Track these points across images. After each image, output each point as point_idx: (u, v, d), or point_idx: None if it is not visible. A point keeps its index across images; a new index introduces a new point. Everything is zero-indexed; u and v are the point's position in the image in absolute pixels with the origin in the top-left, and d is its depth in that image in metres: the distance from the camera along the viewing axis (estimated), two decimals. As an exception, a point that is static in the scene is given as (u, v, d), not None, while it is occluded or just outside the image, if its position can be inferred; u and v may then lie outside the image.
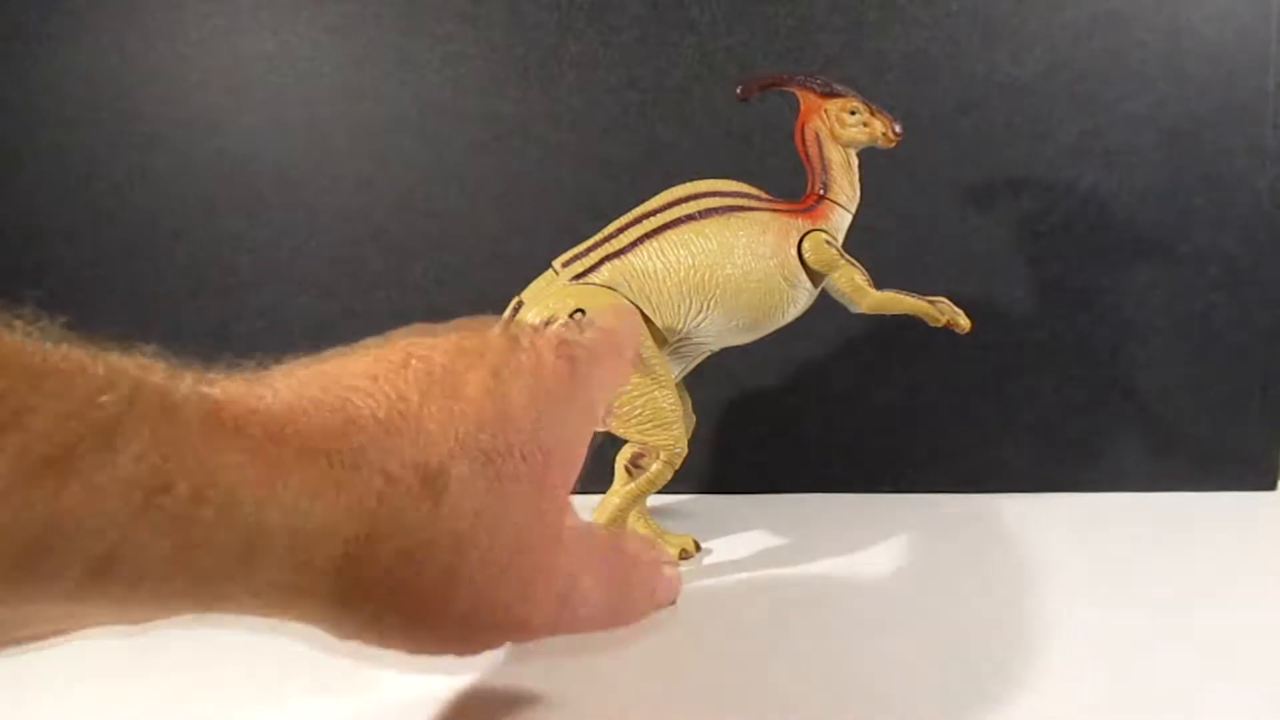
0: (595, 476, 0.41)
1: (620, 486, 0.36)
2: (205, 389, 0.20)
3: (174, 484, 0.17)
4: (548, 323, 0.36)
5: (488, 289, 0.40)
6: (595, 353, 0.26)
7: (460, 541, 0.21)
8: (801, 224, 0.39)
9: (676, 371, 0.41)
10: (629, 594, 0.27)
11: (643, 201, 0.39)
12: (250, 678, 0.30)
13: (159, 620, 0.20)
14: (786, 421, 0.55)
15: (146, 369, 0.19)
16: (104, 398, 0.17)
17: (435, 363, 0.23)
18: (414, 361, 0.23)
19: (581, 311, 0.36)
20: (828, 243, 0.39)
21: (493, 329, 0.25)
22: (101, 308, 0.56)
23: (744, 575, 0.39)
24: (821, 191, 0.40)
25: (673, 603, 0.35)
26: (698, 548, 0.43)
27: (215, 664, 0.31)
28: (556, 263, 0.38)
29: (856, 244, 0.41)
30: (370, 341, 0.25)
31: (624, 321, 0.28)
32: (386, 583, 0.21)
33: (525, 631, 0.24)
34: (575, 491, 0.26)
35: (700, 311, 0.37)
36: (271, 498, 0.18)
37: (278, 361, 0.23)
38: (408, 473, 0.21)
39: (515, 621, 0.23)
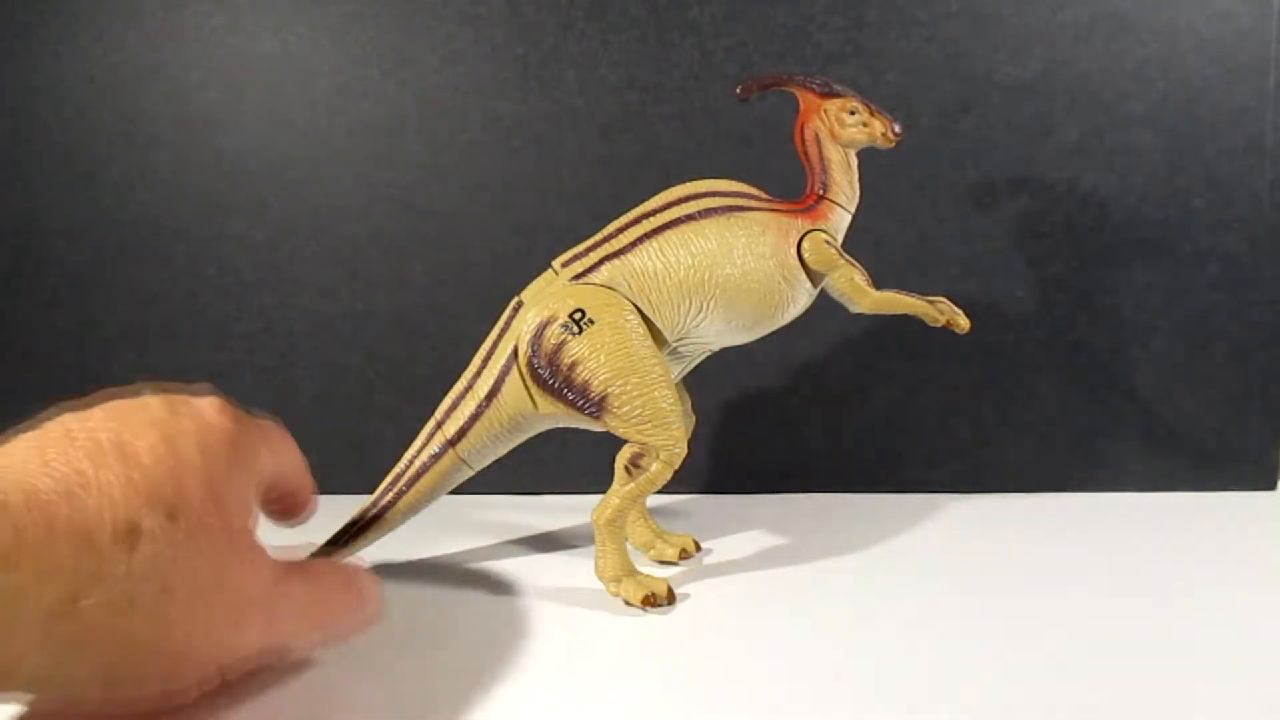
0: (595, 476, 0.41)
1: (620, 486, 0.36)
2: None
3: None
4: (547, 322, 0.36)
5: (488, 289, 0.40)
6: (250, 417, 0.30)
7: (163, 588, 0.24)
8: (801, 224, 0.39)
9: (676, 371, 0.41)
10: (331, 614, 0.30)
11: (643, 201, 0.39)
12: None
13: None
14: (786, 421, 0.55)
15: None
16: None
17: (99, 435, 0.25)
18: (79, 436, 0.25)
19: (581, 311, 0.36)
20: (827, 243, 0.39)
21: (147, 397, 0.28)
22: (101, 308, 0.56)
23: (744, 575, 0.39)
24: (821, 191, 0.40)
25: (669, 605, 0.35)
26: (698, 548, 0.43)
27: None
28: (556, 263, 0.38)
29: (856, 244, 0.41)
30: (24, 426, 0.26)
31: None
32: (101, 634, 0.23)
33: (240, 654, 0.27)
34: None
35: (700, 311, 0.37)
36: None
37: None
38: (100, 534, 0.23)
39: (229, 650, 0.26)
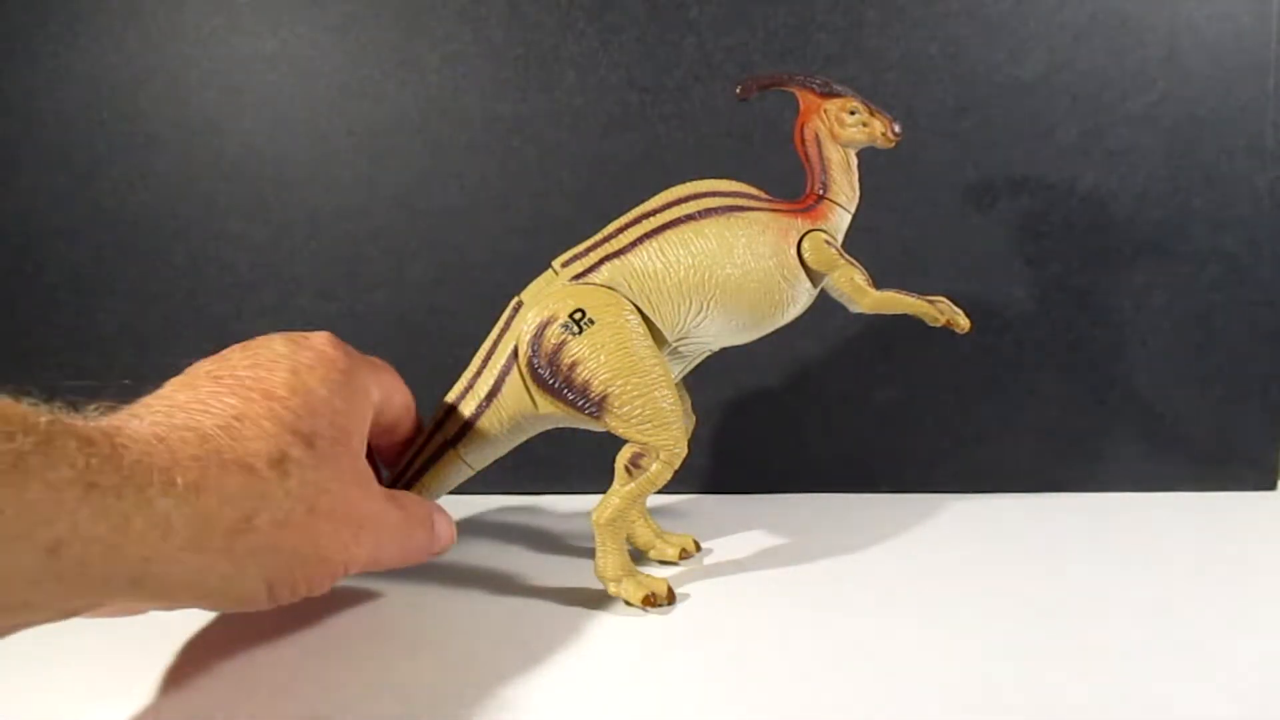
0: (595, 476, 0.41)
1: (620, 486, 0.36)
2: (100, 423, 0.25)
3: (99, 482, 0.22)
4: (548, 322, 0.36)
5: (488, 289, 0.40)
6: (359, 353, 0.35)
7: (312, 506, 0.28)
8: (801, 224, 0.39)
9: (676, 371, 0.41)
10: (416, 541, 0.35)
11: (643, 201, 0.39)
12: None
13: (105, 606, 0.26)
14: (786, 421, 0.55)
15: (51, 411, 0.24)
16: (40, 419, 0.22)
17: (240, 373, 0.29)
18: (223, 376, 0.29)
19: (582, 311, 0.36)
20: (827, 243, 0.39)
21: (270, 336, 0.32)
22: (101, 308, 0.56)
23: (744, 575, 0.39)
24: (821, 191, 0.40)
25: (669, 605, 0.35)
26: (698, 548, 0.43)
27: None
28: (556, 263, 0.38)
29: (856, 244, 0.41)
30: (174, 381, 0.30)
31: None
32: (268, 547, 0.27)
33: (356, 563, 0.31)
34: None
35: (700, 311, 0.37)
36: (168, 492, 0.24)
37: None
38: (259, 462, 0.27)
39: (351, 558, 0.30)
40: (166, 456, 0.24)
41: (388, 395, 0.36)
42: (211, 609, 0.30)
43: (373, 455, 0.38)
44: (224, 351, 0.32)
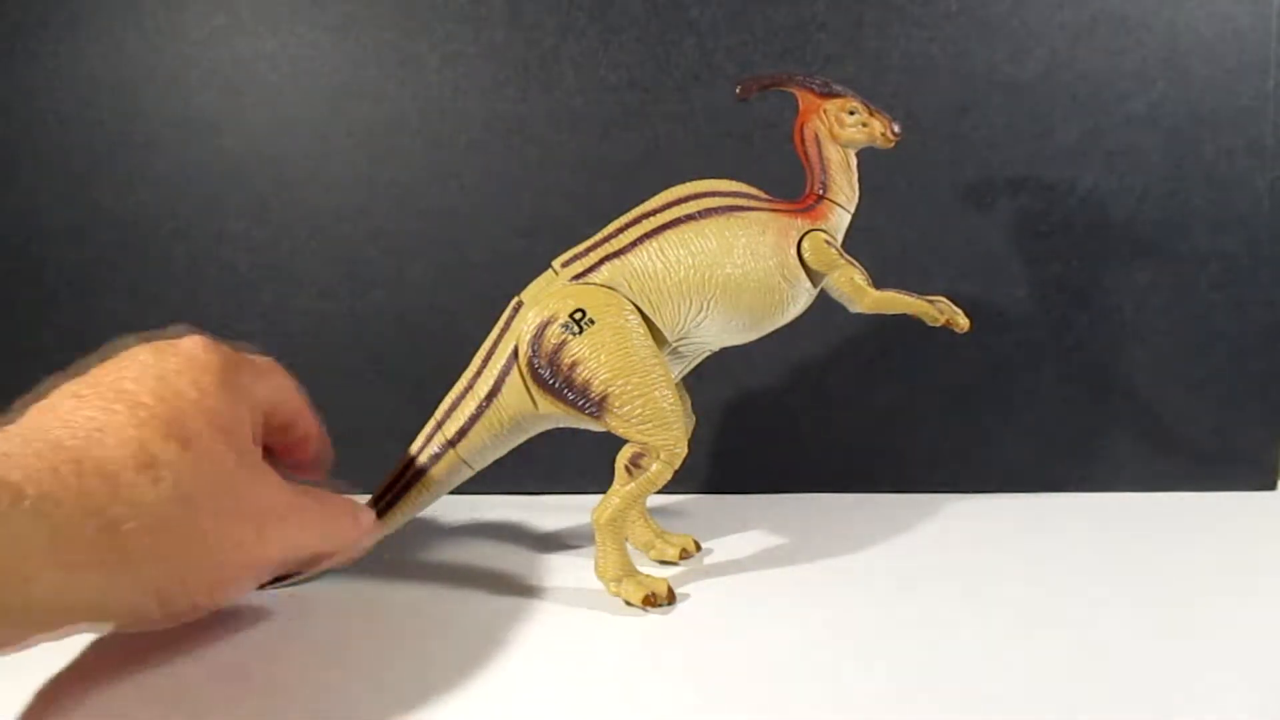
0: (595, 476, 0.41)
1: (620, 486, 0.36)
2: None
3: None
4: (548, 322, 0.36)
5: (488, 289, 0.40)
6: (235, 350, 0.33)
7: (193, 506, 0.27)
8: (801, 224, 0.39)
9: (676, 371, 0.41)
10: (337, 530, 0.35)
11: (643, 201, 0.39)
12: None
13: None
14: (786, 421, 0.55)
15: None
16: None
17: (102, 388, 0.28)
18: (85, 394, 0.28)
19: (582, 311, 0.36)
20: (827, 243, 0.39)
21: (135, 348, 0.31)
22: (101, 308, 0.56)
23: (744, 575, 0.39)
24: (821, 191, 0.40)
25: (669, 605, 0.35)
26: (698, 548, 0.43)
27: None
28: (556, 263, 0.38)
29: (856, 244, 0.41)
30: (36, 405, 0.29)
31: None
32: (145, 554, 0.26)
33: (265, 561, 0.30)
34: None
35: (700, 311, 0.37)
36: (17, 505, 0.23)
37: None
38: (123, 468, 0.26)
39: (257, 557, 0.30)
40: (16, 473, 0.23)
41: (276, 394, 0.35)
42: (101, 628, 0.28)
43: (273, 461, 0.36)
44: (84, 365, 0.31)
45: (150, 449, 0.27)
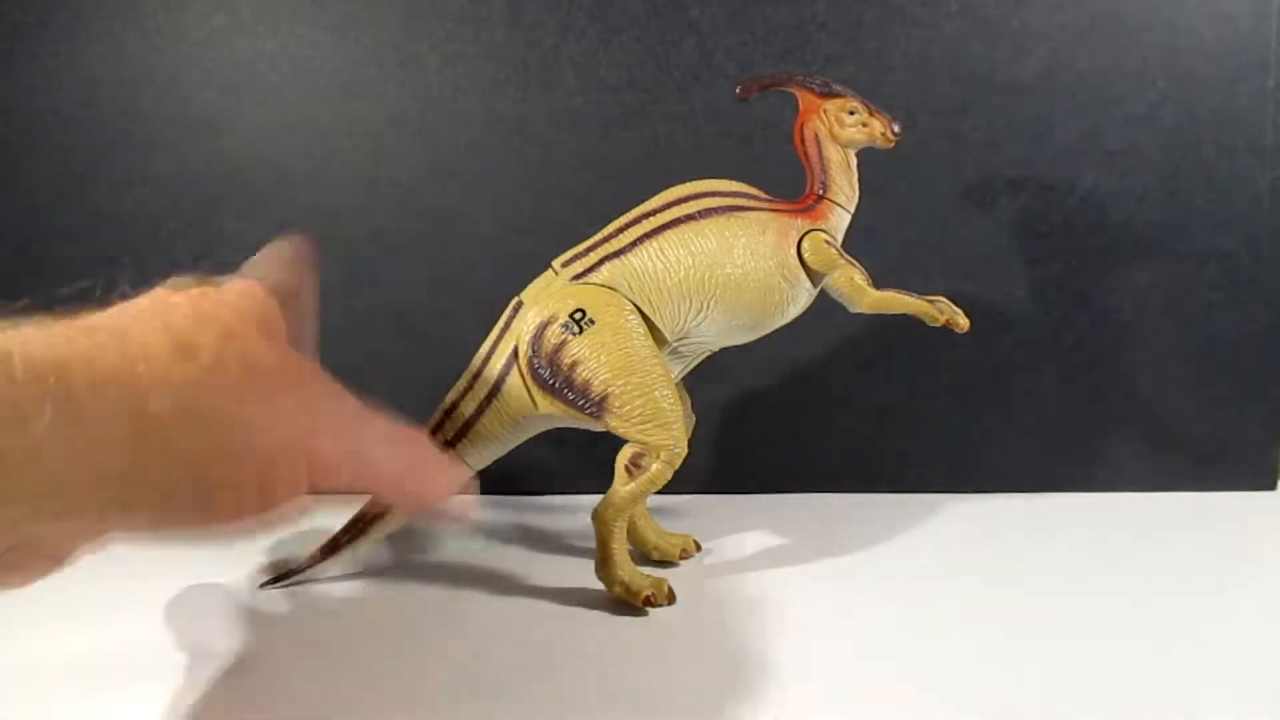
0: (595, 476, 0.41)
1: (620, 486, 0.36)
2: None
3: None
4: (548, 322, 0.36)
5: (488, 289, 0.40)
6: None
7: (236, 396, 0.24)
8: (801, 224, 0.39)
9: (676, 371, 0.41)
10: (414, 456, 0.30)
11: (643, 201, 0.39)
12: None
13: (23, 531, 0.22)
14: (786, 421, 0.55)
15: None
16: None
17: (135, 306, 0.27)
18: (112, 313, 0.26)
19: (582, 311, 0.36)
20: (827, 243, 0.39)
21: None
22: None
23: (744, 575, 0.39)
24: (820, 191, 0.40)
25: (669, 605, 0.35)
26: (698, 548, 0.43)
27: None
28: (556, 263, 0.38)
29: (856, 244, 0.41)
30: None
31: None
32: (184, 440, 0.23)
33: (323, 462, 0.27)
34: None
35: (700, 311, 0.37)
36: (10, 360, 0.21)
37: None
38: (160, 348, 0.24)
39: (313, 456, 0.26)
40: (16, 340, 0.21)
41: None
42: (151, 530, 0.25)
43: None
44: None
45: (189, 334, 0.25)
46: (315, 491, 0.27)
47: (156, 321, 0.25)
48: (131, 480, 0.23)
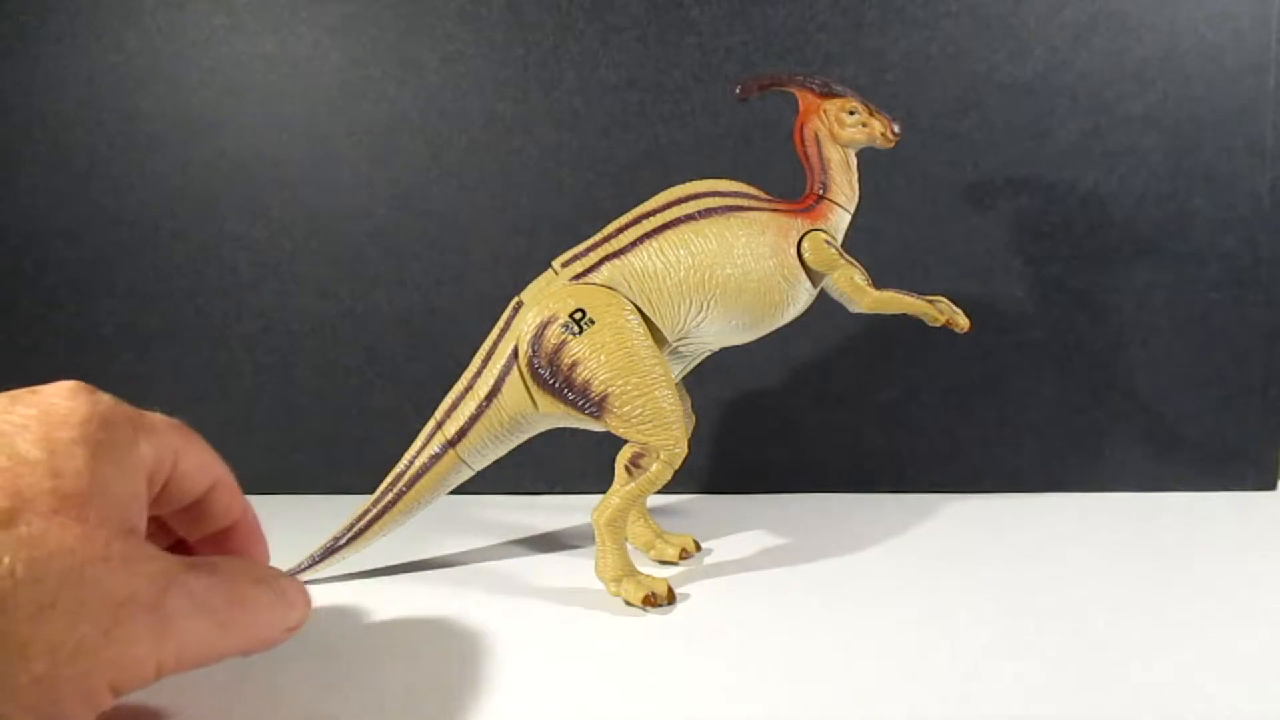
0: (595, 476, 0.41)
1: (620, 486, 0.36)
2: None
3: None
4: (548, 322, 0.36)
5: (488, 289, 0.40)
6: (122, 404, 0.26)
7: (7, 604, 0.21)
8: (801, 224, 0.39)
9: (676, 371, 0.41)
10: (243, 613, 0.26)
11: (642, 201, 0.39)
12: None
13: None
14: (786, 421, 0.55)
15: None
16: None
17: None
18: None
19: (582, 311, 0.36)
20: (827, 243, 0.39)
21: None
22: (101, 308, 0.56)
23: (744, 575, 0.39)
24: (820, 191, 0.40)
25: (669, 605, 0.35)
26: (698, 547, 0.43)
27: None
28: (556, 263, 0.38)
29: (856, 244, 0.41)
30: None
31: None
32: None
33: (135, 673, 0.23)
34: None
35: (700, 311, 0.37)
36: None
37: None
38: None
39: (114, 662, 0.23)
40: None
41: (171, 458, 0.28)
42: None
43: (184, 548, 0.31)
44: None
45: None
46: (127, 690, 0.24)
47: None
48: None
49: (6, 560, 0.21)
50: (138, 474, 0.26)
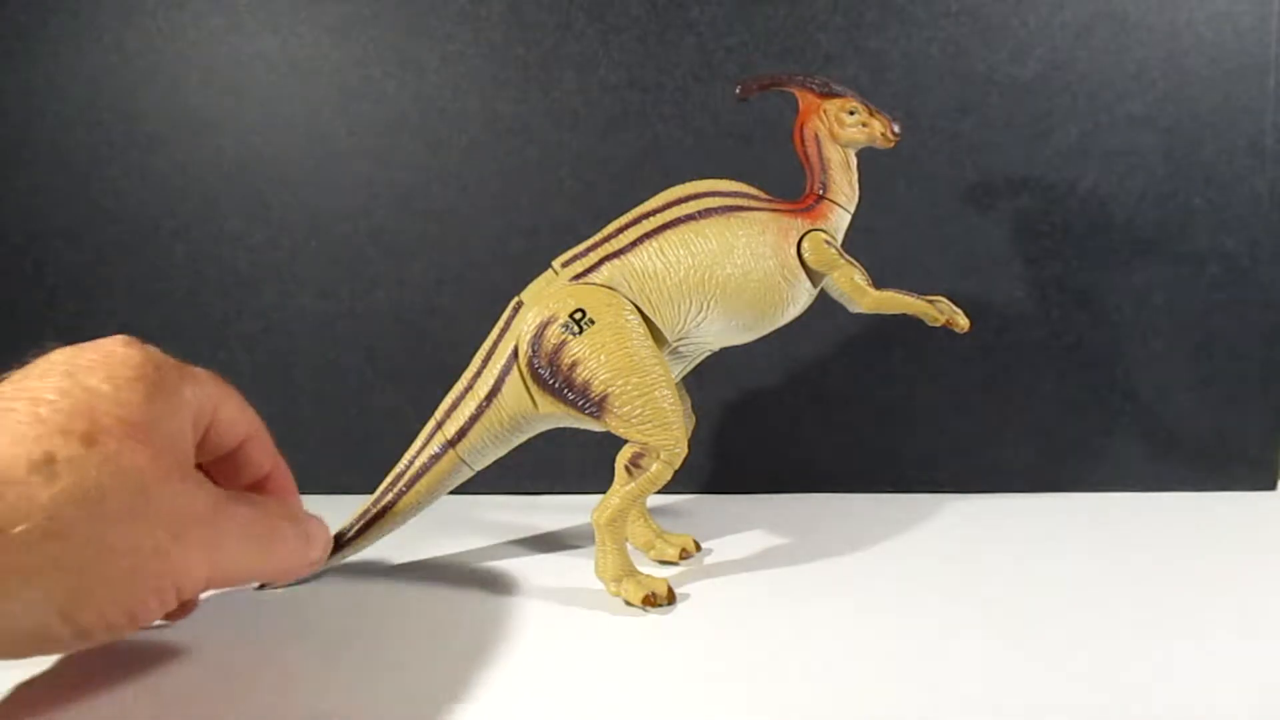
0: (595, 476, 0.41)
1: (620, 486, 0.36)
2: None
3: None
4: (548, 322, 0.36)
5: (488, 289, 0.40)
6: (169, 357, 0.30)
7: (94, 513, 0.24)
8: (801, 224, 0.39)
9: (676, 371, 0.41)
10: (277, 542, 0.32)
11: (642, 201, 0.39)
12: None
13: None
14: (786, 421, 0.55)
15: None
16: None
17: (5, 390, 0.26)
18: (2, 407, 0.26)
19: (582, 311, 0.36)
20: (827, 243, 0.39)
21: (53, 351, 0.29)
22: (101, 308, 0.56)
23: (744, 575, 0.39)
24: (820, 191, 0.40)
25: (669, 605, 0.35)
26: (698, 548, 0.43)
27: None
28: (556, 263, 0.38)
29: (856, 244, 0.41)
30: None
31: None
32: (41, 562, 0.23)
33: (190, 577, 0.27)
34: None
35: (700, 311, 0.37)
36: None
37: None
38: (15, 467, 0.24)
39: (178, 569, 0.27)
40: None
41: (212, 406, 0.31)
42: (8, 655, 0.26)
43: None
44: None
45: (46, 446, 0.24)
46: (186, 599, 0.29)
47: (19, 428, 0.25)
48: None
49: (94, 473, 0.25)
50: (185, 413, 0.29)
